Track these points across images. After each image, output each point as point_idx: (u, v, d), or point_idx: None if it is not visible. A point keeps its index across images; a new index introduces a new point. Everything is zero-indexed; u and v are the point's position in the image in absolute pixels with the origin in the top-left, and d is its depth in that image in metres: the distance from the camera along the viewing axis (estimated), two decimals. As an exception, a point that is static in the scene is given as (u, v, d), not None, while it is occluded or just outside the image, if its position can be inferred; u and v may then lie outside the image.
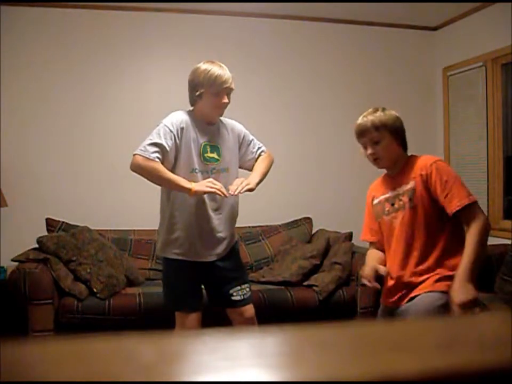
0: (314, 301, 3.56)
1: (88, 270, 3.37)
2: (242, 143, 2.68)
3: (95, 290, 3.32)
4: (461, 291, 2.05)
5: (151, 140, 2.40)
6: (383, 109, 2.38)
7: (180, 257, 2.51)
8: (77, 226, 3.70)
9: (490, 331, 0.45)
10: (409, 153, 2.40)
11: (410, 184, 2.21)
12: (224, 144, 2.59)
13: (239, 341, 0.42)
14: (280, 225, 4.25)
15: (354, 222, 4.48)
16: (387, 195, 2.32)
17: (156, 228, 4.06)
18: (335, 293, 3.61)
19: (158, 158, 2.38)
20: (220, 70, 2.51)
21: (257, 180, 2.56)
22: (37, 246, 3.40)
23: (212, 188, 2.38)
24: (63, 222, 3.83)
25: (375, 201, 2.37)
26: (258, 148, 2.73)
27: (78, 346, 0.41)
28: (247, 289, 2.66)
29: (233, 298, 2.61)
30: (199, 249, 2.53)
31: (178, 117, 2.50)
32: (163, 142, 2.40)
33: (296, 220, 4.33)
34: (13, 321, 3.21)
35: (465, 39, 4.44)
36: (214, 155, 2.55)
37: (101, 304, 3.29)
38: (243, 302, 2.64)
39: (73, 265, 3.38)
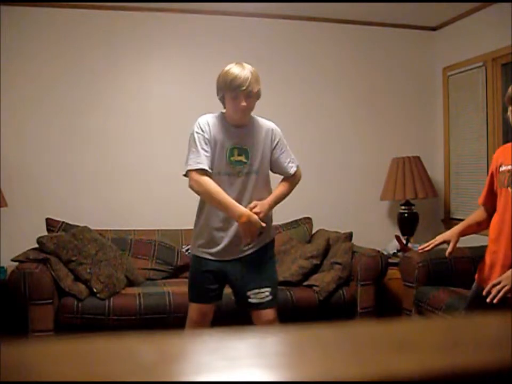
0: (314, 301, 3.55)
1: (88, 270, 3.37)
2: (276, 148, 2.61)
3: (95, 290, 3.31)
4: None
5: (192, 151, 2.47)
6: None
7: (197, 253, 2.64)
8: (77, 226, 3.70)
9: (490, 331, 0.45)
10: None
11: None
12: (254, 146, 2.55)
13: (239, 341, 0.42)
14: (280, 225, 4.25)
15: (354, 222, 4.50)
16: None
17: (155, 228, 4.11)
18: (335, 293, 3.61)
19: (205, 167, 2.44)
20: (238, 71, 2.45)
21: (269, 208, 2.55)
22: (37, 246, 3.40)
23: (247, 231, 2.45)
24: (63, 222, 3.83)
25: (503, 168, 2.26)
26: (289, 162, 2.65)
27: (78, 346, 0.41)
28: (267, 293, 2.55)
29: (249, 300, 2.55)
30: (213, 248, 2.59)
31: (202, 120, 2.53)
32: (201, 149, 2.46)
33: (296, 220, 4.32)
34: (13, 321, 3.21)
35: (465, 39, 4.44)
36: (242, 158, 2.53)
37: (101, 304, 3.29)
38: (260, 306, 2.55)
39: (73, 265, 3.38)
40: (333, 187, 4.58)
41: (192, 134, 2.50)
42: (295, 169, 2.67)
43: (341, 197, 4.58)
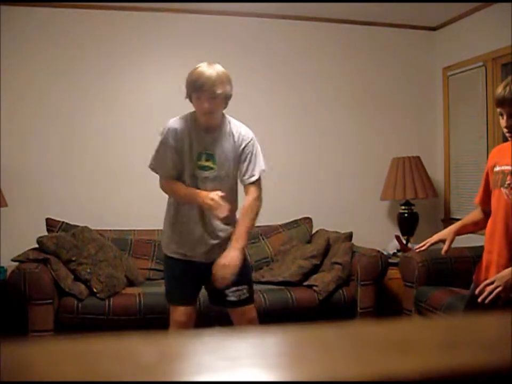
0: (314, 301, 3.55)
1: (88, 270, 3.37)
2: (241, 155, 2.53)
3: (95, 290, 3.32)
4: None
5: (158, 156, 2.50)
6: None
7: (175, 256, 2.57)
8: (77, 226, 3.70)
9: (490, 331, 0.45)
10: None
11: None
12: (222, 151, 2.48)
13: (239, 341, 0.42)
14: (280, 225, 4.25)
15: (354, 222, 4.50)
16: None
17: (155, 228, 4.11)
18: (335, 293, 3.61)
19: (165, 174, 2.50)
20: (203, 71, 2.34)
21: (243, 244, 2.50)
22: (37, 246, 3.40)
23: (209, 204, 2.37)
24: (63, 222, 3.83)
25: (497, 168, 2.22)
26: (250, 176, 2.53)
27: (78, 346, 0.41)
28: (245, 290, 2.56)
29: (228, 299, 2.55)
30: (192, 251, 2.54)
31: (170, 126, 2.47)
32: (165, 158, 2.46)
33: (296, 220, 4.32)
34: (13, 321, 3.21)
35: (465, 39, 4.44)
36: (209, 163, 2.47)
37: (101, 304, 3.29)
38: (239, 304, 2.57)
39: (73, 265, 3.38)
40: (333, 187, 4.58)
41: (161, 137, 2.47)
42: (251, 180, 2.53)
43: (341, 197, 4.58)
